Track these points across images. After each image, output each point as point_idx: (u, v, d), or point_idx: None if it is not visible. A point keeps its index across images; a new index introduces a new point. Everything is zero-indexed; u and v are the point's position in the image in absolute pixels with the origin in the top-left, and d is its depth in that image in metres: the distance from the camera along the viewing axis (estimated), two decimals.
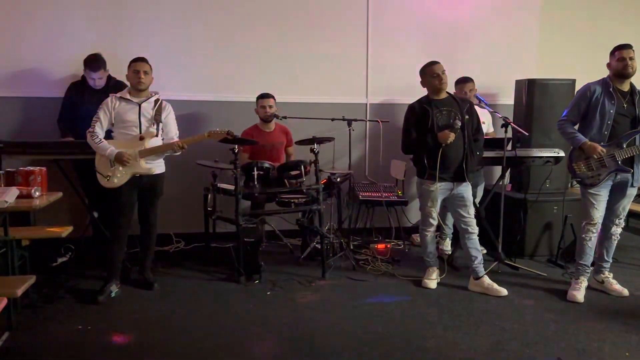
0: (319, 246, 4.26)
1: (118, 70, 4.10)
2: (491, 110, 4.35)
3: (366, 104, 5.17)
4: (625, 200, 3.71)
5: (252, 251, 4.03)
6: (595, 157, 3.58)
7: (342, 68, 5.08)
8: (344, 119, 4.62)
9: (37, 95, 4.53)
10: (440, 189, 3.74)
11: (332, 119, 4.64)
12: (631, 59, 3.57)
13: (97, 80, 4.20)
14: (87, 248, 4.36)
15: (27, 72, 4.53)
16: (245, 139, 4.32)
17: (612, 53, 3.66)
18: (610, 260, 3.86)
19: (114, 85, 4.24)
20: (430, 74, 3.73)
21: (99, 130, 3.60)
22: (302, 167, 4.09)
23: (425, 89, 3.82)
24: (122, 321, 3.27)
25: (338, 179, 4.43)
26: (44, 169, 3.40)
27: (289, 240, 4.89)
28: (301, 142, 4.22)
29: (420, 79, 3.83)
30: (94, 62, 4.16)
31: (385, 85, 5.16)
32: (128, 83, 3.74)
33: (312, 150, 4.03)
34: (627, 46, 3.60)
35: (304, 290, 3.81)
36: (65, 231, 3.36)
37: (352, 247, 4.64)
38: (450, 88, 4.71)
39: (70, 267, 4.19)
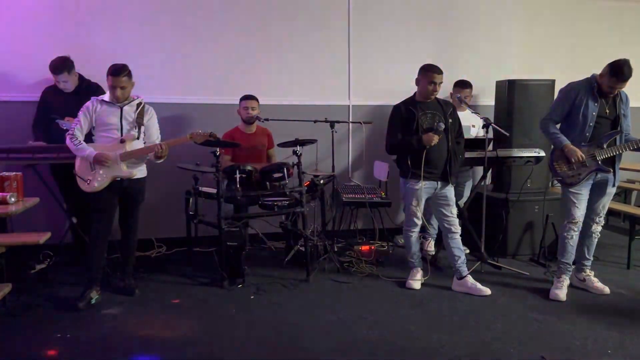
0: (302, 249, 4.24)
1: (99, 71, 4.03)
2: (472, 111, 4.39)
3: (349, 106, 5.17)
4: (605, 198, 3.76)
5: (235, 255, 3.99)
6: (574, 160, 3.61)
7: (324, 70, 5.07)
8: (326, 121, 4.61)
9: (10, 99, 4.44)
10: (424, 188, 3.75)
11: (315, 121, 4.62)
12: (621, 88, 3.55)
13: (62, 83, 4.11)
14: (66, 254, 4.28)
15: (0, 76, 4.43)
16: (228, 141, 4.28)
17: (610, 77, 3.49)
18: (592, 259, 3.91)
19: (87, 87, 4.17)
20: (428, 79, 3.72)
21: (79, 133, 3.55)
22: (285, 169, 4.07)
23: (415, 86, 3.83)
24: (102, 328, 3.21)
25: (321, 181, 4.42)
26: (19, 174, 3.34)
27: (272, 244, 4.87)
28: (284, 145, 4.19)
29: (416, 76, 3.82)
30: (56, 65, 4.06)
31: (367, 87, 5.17)
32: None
33: (295, 153, 4.01)
34: (626, 79, 3.47)
35: (288, 294, 3.79)
36: (43, 237, 3.29)
37: (336, 249, 4.62)
38: (448, 87, 4.78)
39: (49, 274, 4.10)
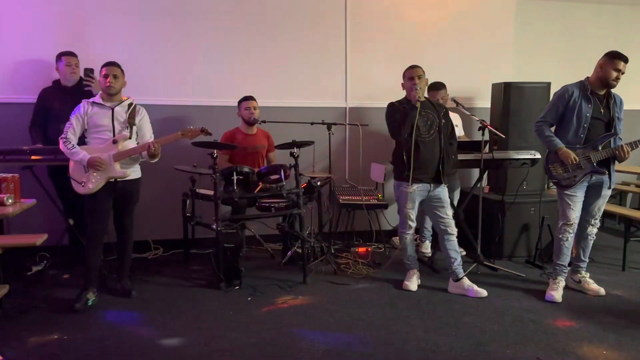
0: (299, 250, 4.24)
1: (97, 74, 4.03)
2: (468, 113, 4.41)
3: (345, 108, 5.18)
4: (601, 200, 3.78)
5: (232, 257, 3.99)
6: (568, 163, 3.63)
7: (320, 72, 5.09)
8: (323, 123, 4.62)
9: (7, 101, 4.44)
10: (417, 191, 3.77)
11: (312, 123, 4.64)
12: (623, 73, 3.58)
13: (74, 67, 4.16)
14: (63, 256, 4.27)
15: None
16: (224, 143, 4.28)
17: (611, 60, 3.55)
18: (587, 260, 3.93)
19: (85, 87, 4.20)
20: (407, 76, 3.81)
21: (72, 137, 3.56)
22: (282, 171, 4.08)
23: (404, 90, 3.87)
24: (99, 330, 3.20)
25: (318, 183, 4.43)
26: (16, 175, 3.33)
27: (269, 245, 4.87)
28: (281, 146, 4.20)
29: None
30: (68, 51, 4.17)
31: (364, 89, 5.18)
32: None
33: (292, 154, 4.02)
34: (626, 59, 3.55)
35: (284, 295, 3.79)
36: (40, 239, 3.29)
37: (332, 251, 4.63)
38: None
39: (46, 276, 4.10)
